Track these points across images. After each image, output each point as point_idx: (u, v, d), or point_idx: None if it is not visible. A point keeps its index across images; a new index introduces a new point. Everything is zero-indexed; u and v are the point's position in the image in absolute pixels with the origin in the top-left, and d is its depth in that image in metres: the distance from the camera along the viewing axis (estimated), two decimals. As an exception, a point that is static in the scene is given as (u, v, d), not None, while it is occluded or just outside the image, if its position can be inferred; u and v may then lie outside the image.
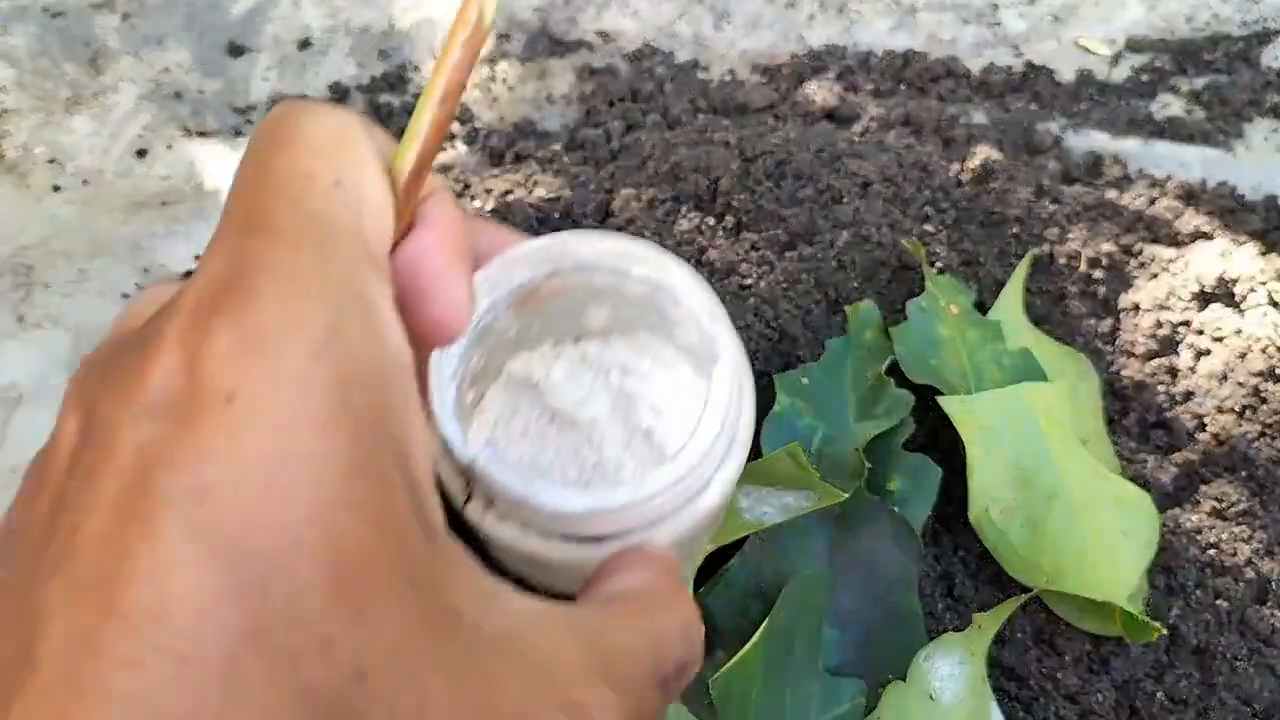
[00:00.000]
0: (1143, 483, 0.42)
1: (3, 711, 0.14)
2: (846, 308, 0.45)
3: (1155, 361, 0.47)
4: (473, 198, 0.56)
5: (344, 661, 0.14)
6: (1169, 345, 0.47)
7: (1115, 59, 0.66)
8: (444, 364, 0.23)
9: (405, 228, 0.20)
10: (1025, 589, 0.38)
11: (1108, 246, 0.50)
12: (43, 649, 0.14)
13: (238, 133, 0.62)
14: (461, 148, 0.62)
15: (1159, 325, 0.48)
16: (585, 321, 0.28)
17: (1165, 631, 0.36)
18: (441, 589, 0.16)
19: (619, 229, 0.51)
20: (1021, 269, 0.48)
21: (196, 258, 0.56)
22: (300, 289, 0.16)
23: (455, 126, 0.64)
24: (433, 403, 0.23)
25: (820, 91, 0.62)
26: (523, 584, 0.25)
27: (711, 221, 0.50)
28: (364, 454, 0.15)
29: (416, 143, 0.20)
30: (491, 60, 0.66)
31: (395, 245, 0.20)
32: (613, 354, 0.28)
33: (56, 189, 0.58)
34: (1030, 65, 0.66)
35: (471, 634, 0.16)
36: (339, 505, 0.15)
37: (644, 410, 0.28)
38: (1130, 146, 0.59)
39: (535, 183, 0.56)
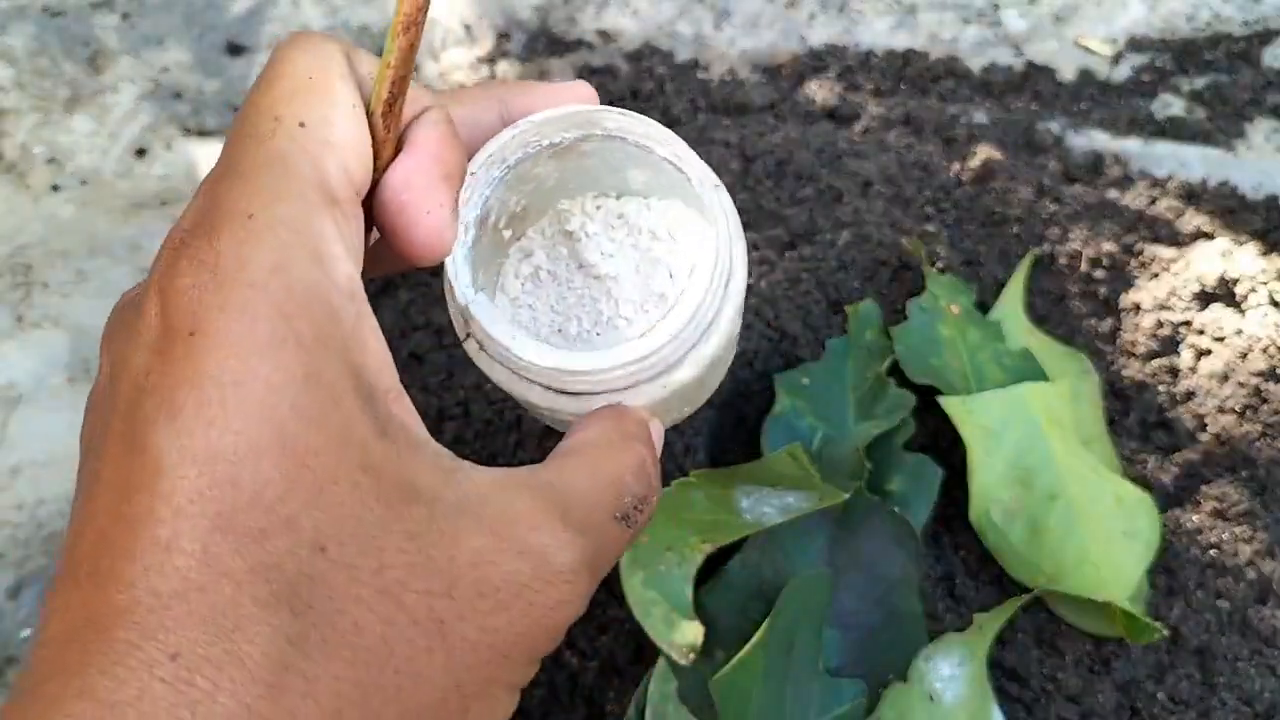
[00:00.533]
0: (1144, 483, 0.42)
1: (50, 598, 0.17)
2: (847, 308, 0.45)
3: (1156, 361, 0.47)
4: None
5: (305, 536, 0.17)
6: (1170, 345, 0.47)
7: (1116, 59, 0.66)
8: (464, 211, 0.25)
9: (393, 153, 0.22)
10: (1026, 589, 0.38)
11: (1109, 246, 0.50)
12: (81, 546, 0.17)
13: (237, 132, 0.62)
14: (461, 147, 0.62)
15: (1160, 325, 0.47)
16: (627, 181, 0.30)
17: (1166, 632, 0.36)
18: (398, 471, 0.19)
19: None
20: (1022, 269, 0.48)
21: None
22: (250, 229, 0.18)
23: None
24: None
25: (821, 91, 0.62)
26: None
27: (711, 221, 0.50)
28: (308, 369, 0.18)
29: (388, 73, 0.21)
30: (491, 60, 0.66)
31: (384, 171, 0.22)
32: (649, 216, 0.30)
33: (55, 189, 0.58)
34: (1031, 65, 0.66)
35: (429, 505, 0.19)
36: (287, 412, 0.17)
37: (662, 275, 0.29)
38: (1131, 146, 0.59)
39: (535, 182, 0.56)
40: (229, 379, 0.17)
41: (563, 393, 0.25)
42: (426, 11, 0.21)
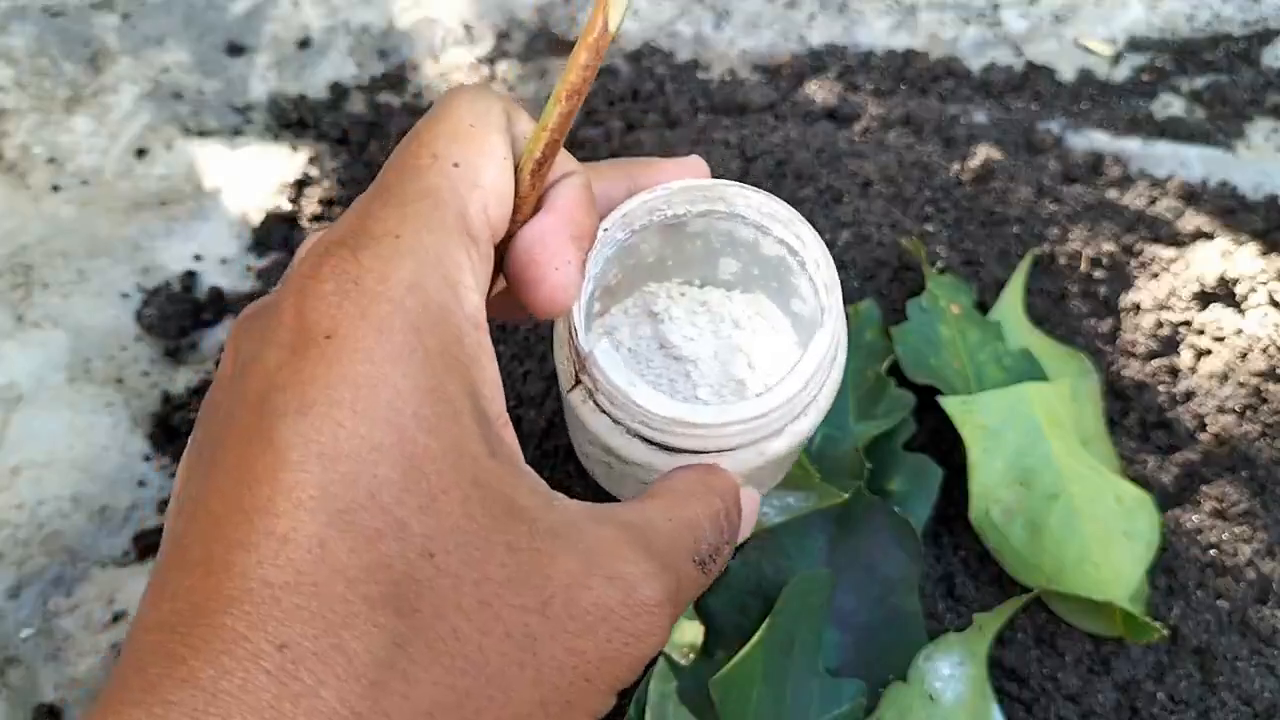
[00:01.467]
0: (1143, 483, 0.42)
1: (155, 582, 0.18)
2: (847, 307, 0.45)
3: (1156, 361, 0.47)
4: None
5: (415, 541, 0.18)
6: (1170, 345, 0.47)
7: (1116, 59, 0.66)
8: (588, 268, 0.26)
9: (532, 209, 0.23)
10: (1026, 589, 0.38)
11: (1108, 246, 0.50)
12: (192, 532, 0.18)
13: (237, 132, 0.62)
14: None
15: (1160, 325, 0.47)
16: (717, 270, 0.31)
17: (1166, 632, 0.36)
18: (504, 489, 0.19)
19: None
20: (1022, 269, 0.48)
21: (196, 257, 0.56)
22: (395, 248, 0.20)
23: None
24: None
25: (821, 91, 0.62)
26: (595, 488, 0.30)
27: (711, 221, 0.50)
28: (432, 383, 0.19)
29: (544, 135, 0.22)
30: (491, 59, 0.66)
31: (522, 225, 0.23)
32: (731, 307, 0.31)
33: (56, 189, 0.58)
34: (1031, 65, 0.66)
35: (529, 524, 0.19)
36: (410, 420, 0.18)
37: (742, 362, 0.31)
38: (1131, 146, 0.59)
39: (535, 182, 0.56)
40: (361, 381, 0.18)
41: (664, 448, 0.26)
42: (590, 83, 0.22)
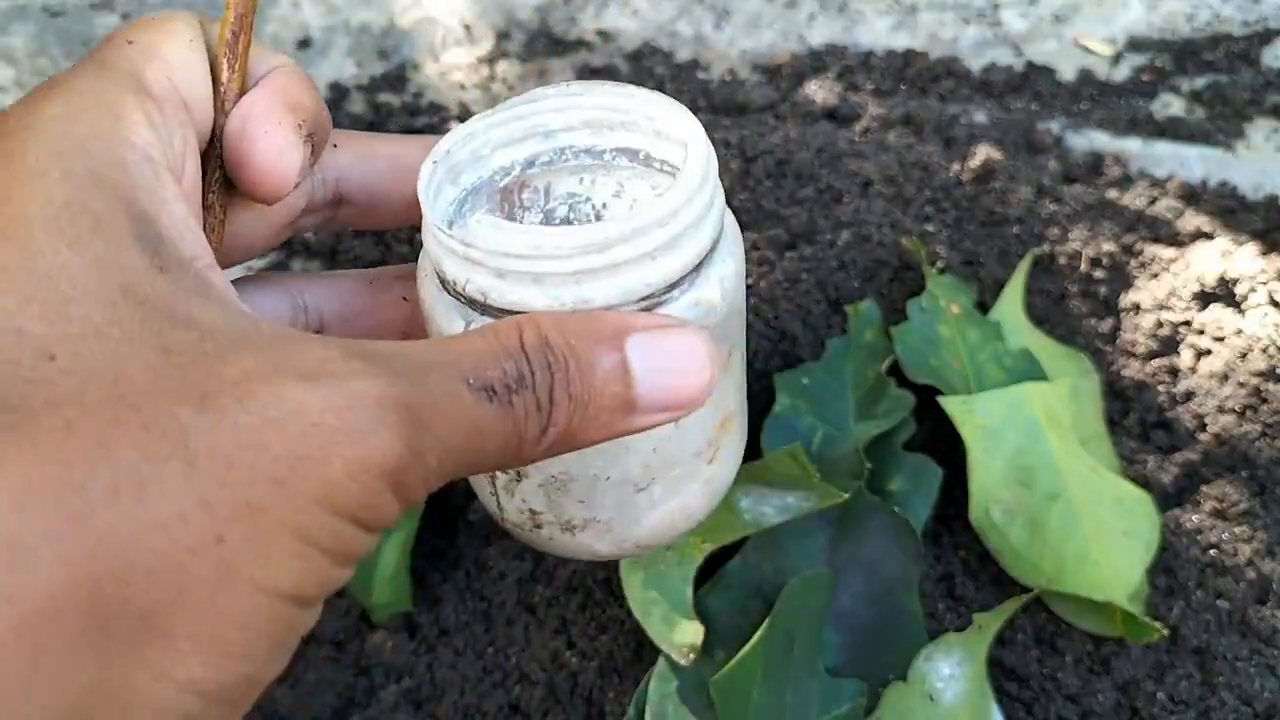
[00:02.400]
0: (1143, 483, 0.42)
1: None
2: (847, 308, 0.45)
3: (1156, 361, 0.47)
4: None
5: (31, 344, 0.16)
6: (1170, 345, 0.47)
7: (1116, 59, 0.66)
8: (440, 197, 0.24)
9: (239, 94, 0.23)
10: (1026, 589, 0.38)
11: (1108, 246, 0.50)
12: None
13: (237, 132, 0.62)
14: (461, 147, 0.62)
15: (1160, 325, 0.47)
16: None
17: (1166, 632, 0.36)
18: (171, 302, 0.17)
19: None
20: (1022, 269, 0.48)
21: (196, 257, 0.56)
22: (46, 93, 0.19)
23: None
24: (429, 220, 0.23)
25: (821, 91, 0.62)
26: None
27: (711, 221, 0.50)
28: (69, 196, 0.18)
29: (230, 11, 0.22)
30: (491, 60, 0.66)
31: (229, 111, 0.22)
32: (631, 188, 0.28)
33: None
34: (1031, 65, 0.66)
35: (200, 332, 0.17)
36: (39, 232, 0.17)
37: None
38: (1131, 146, 0.59)
39: (535, 182, 0.56)
40: (15, 220, 0.17)
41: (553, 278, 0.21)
42: None
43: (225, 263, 0.24)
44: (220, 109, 0.22)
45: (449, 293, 0.23)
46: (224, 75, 0.22)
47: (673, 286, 0.23)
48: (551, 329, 0.19)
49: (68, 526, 0.14)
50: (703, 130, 0.24)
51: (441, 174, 0.24)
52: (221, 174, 0.23)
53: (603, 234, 0.21)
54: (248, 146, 0.22)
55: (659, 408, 0.20)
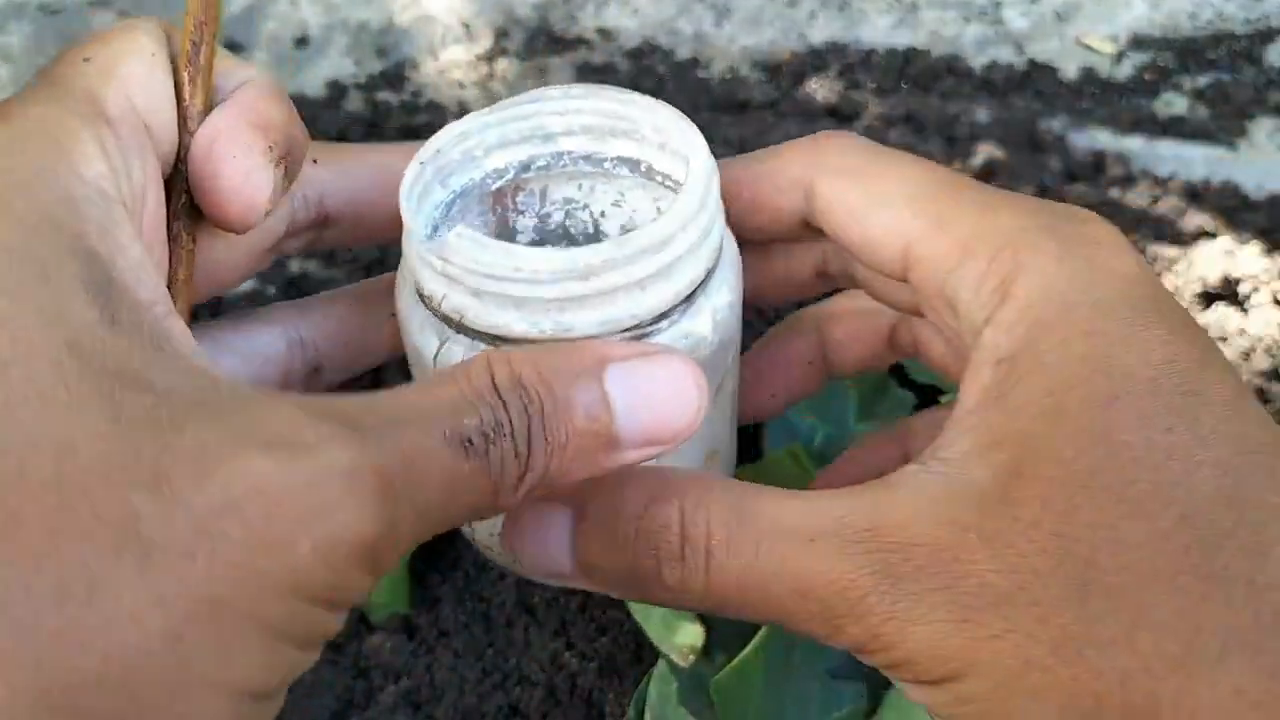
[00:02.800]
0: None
1: None
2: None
3: (1159, 361, 0.47)
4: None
5: None
6: (1172, 345, 0.47)
7: (1118, 57, 0.66)
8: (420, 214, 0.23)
9: (203, 112, 0.21)
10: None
11: (1111, 245, 0.50)
12: None
13: (235, 130, 0.62)
14: (460, 146, 0.62)
15: (1162, 325, 0.47)
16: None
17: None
18: (124, 361, 0.16)
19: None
20: (1024, 268, 0.48)
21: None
22: None
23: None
24: (409, 231, 0.22)
25: (822, 89, 0.62)
26: None
27: (712, 220, 0.50)
28: (11, 241, 0.16)
29: (190, 18, 0.21)
30: (490, 58, 0.66)
31: (193, 131, 0.21)
32: (629, 201, 0.27)
33: (53, 187, 0.58)
34: (1033, 63, 0.65)
35: (155, 395, 0.15)
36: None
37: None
38: (1133, 145, 0.59)
39: (534, 181, 0.56)
40: None
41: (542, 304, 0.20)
42: None
43: (199, 296, 0.23)
44: (184, 129, 0.21)
45: (426, 307, 0.22)
46: (184, 85, 0.21)
47: (661, 317, 0.22)
48: (524, 365, 0.18)
49: (9, 639, 0.13)
50: (706, 147, 0.23)
51: (429, 175, 0.23)
52: (188, 200, 0.21)
53: (588, 260, 0.20)
54: (212, 171, 0.20)
55: (642, 443, 0.19)
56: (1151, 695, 0.16)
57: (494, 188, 0.25)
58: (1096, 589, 0.16)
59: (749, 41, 0.67)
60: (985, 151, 0.54)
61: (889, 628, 0.17)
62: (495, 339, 0.21)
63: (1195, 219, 0.52)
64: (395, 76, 0.65)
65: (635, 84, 0.63)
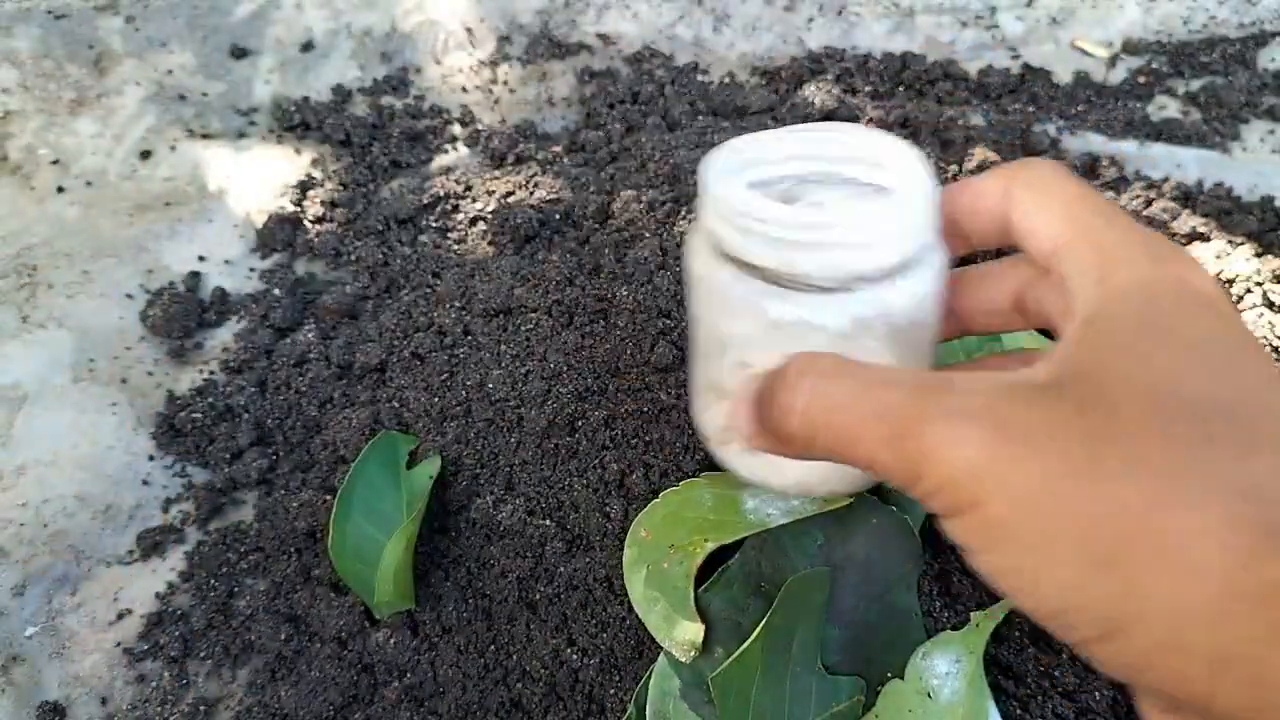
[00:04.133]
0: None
1: None
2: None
3: (1152, 362, 0.47)
4: (474, 199, 0.56)
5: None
6: (1165, 346, 0.47)
7: (1112, 61, 0.67)
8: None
9: None
10: (1022, 587, 0.38)
11: (1104, 248, 0.50)
12: None
13: (241, 134, 0.62)
14: (463, 149, 0.62)
15: (1155, 326, 0.48)
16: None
17: (1161, 629, 0.36)
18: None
19: (619, 230, 0.52)
20: (1019, 270, 0.48)
21: (200, 258, 0.56)
22: None
23: (456, 129, 0.64)
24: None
25: (819, 93, 0.62)
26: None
27: (711, 223, 0.50)
28: None
29: None
30: (493, 63, 0.67)
31: None
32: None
33: (60, 190, 0.58)
34: (1027, 67, 0.66)
35: None
36: None
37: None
38: (1127, 148, 0.60)
39: (536, 184, 0.56)
40: None
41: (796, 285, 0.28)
42: None
43: None
44: None
45: (708, 244, 0.30)
46: None
47: (867, 280, 0.28)
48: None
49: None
50: (924, 168, 0.30)
51: (734, 163, 0.31)
52: None
53: (807, 218, 0.27)
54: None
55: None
56: (1141, 521, 0.19)
57: (778, 189, 0.32)
58: (1106, 436, 0.20)
59: (747, 47, 0.67)
60: (980, 154, 0.55)
61: (929, 445, 0.22)
62: (748, 266, 0.29)
63: (1188, 221, 0.53)
64: (399, 81, 0.65)
65: (635, 89, 0.64)
